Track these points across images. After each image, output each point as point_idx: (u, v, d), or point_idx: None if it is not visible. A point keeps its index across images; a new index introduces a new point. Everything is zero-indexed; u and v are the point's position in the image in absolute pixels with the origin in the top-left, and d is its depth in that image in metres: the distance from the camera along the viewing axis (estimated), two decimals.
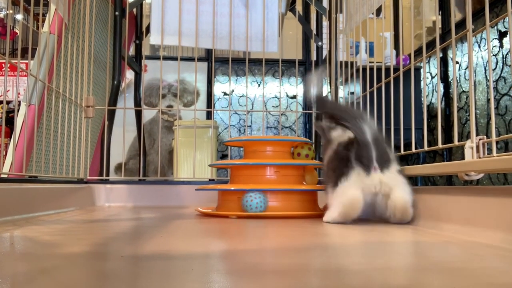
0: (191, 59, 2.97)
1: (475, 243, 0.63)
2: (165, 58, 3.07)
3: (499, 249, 0.58)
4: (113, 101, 1.63)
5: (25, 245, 0.60)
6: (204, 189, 1.16)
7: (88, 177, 1.52)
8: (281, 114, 3.24)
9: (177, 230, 0.78)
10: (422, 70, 2.35)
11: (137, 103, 2.03)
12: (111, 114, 1.62)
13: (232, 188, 1.08)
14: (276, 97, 3.26)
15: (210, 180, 1.69)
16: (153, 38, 1.61)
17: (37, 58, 1.24)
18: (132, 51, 2.15)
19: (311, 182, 1.18)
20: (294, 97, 3.29)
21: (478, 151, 0.72)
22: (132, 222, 0.91)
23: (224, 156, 3.00)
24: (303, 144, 1.17)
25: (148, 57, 3.07)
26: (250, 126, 3.23)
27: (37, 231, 0.74)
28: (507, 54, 2.03)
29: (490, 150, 0.70)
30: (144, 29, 2.01)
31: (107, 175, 1.57)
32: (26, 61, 2.34)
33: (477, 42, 2.19)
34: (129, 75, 2.76)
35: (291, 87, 3.30)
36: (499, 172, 0.71)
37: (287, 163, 1.11)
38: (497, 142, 0.70)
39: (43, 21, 1.49)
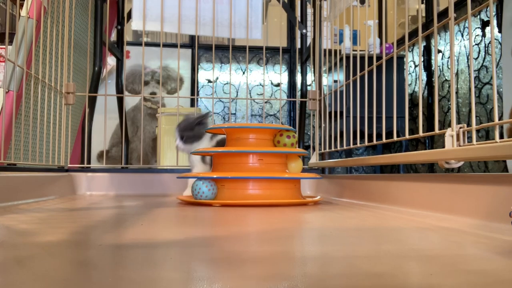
0: (174, 45, 2.93)
1: (453, 230, 0.63)
2: (148, 44, 3.03)
3: (477, 236, 0.59)
4: (94, 87, 1.61)
5: (1, 233, 0.59)
6: (185, 177, 1.15)
7: (69, 165, 1.50)
8: (266, 102, 3.23)
9: (158, 219, 0.78)
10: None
11: (119, 89, 2.00)
12: (92, 101, 1.59)
13: (215, 176, 1.08)
14: (260, 84, 3.25)
15: None
16: (135, 24, 1.59)
17: (15, 44, 1.21)
18: (114, 36, 2.11)
19: (296, 170, 1.19)
20: (278, 85, 3.28)
21: (458, 139, 0.73)
22: (113, 211, 0.90)
23: None
24: (286, 132, 1.17)
25: (130, 43, 3.03)
26: (235, 114, 3.21)
27: (14, 219, 0.73)
28: (489, 43, 2.05)
29: (471, 139, 0.70)
30: (126, 15, 1.97)
31: (88, 163, 1.55)
32: (4, 47, 2.28)
33: (460, 31, 2.20)
34: (112, 61, 2.72)
35: (276, 75, 3.29)
36: (478, 160, 0.71)
37: (270, 151, 1.11)
38: (478, 131, 0.71)
39: (21, 5, 1.45)
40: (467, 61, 2.18)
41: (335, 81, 1.49)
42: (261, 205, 1.03)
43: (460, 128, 0.73)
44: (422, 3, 2.48)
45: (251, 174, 1.07)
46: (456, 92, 2.23)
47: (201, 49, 3.21)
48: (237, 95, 3.24)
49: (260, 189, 1.07)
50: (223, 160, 1.13)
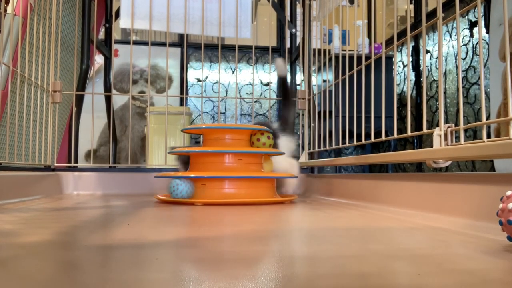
0: (163, 44, 2.92)
1: (441, 229, 0.63)
2: (138, 42, 3.01)
3: (464, 235, 0.59)
4: (82, 86, 1.59)
5: None
6: (162, 177, 1.15)
7: (56, 164, 1.48)
8: (255, 101, 3.22)
9: (144, 218, 0.77)
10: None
11: (107, 88, 1.98)
12: (79, 100, 1.58)
13: (192, 175, 1.08)
14: (250, 84, 3.25)
15: None
16: (123, 22, 1.57)
17: (1, 41, 1.19)
18: (102, 34, 2.09)
19: (267, 170, 1.20)
20: (268, 84, 3.28)
21: (446, 139, 0.73)
22: (100, 210, 0.89)
23: (197, 143, 2.98)
24: (262, 133, 1.18)
25: (119, 42, 3.00)
26: (224, 113, 3.21)
27: None
28: (477, 44, 2.07)
29: (459, 138, 0.70)
30: (114, 12, 1.96)
31: (76, 162, 1.53)
32: None
33: (448, 31, 2.22)
34: (100, 59, 2.70)
35: (265, 74, 3.29)
36: (466, 159, 0.72)
37: (247, 151, 1.12)
38: (466, 131, 0.71)
39: (7, 2, 1.43)
40: (455, 61, 2.19)
41: (324, 81, 1.49)
42: (242, 204, 1.04)
43: (448, 127, 0.73)
44: (411, 3, 2.50)
45: (231, 174, 1.08)
46: (444, 92, 2.25)
47: (190, 48, 3.19)
48: (226, 94, 3.23)
49: (241, 188, 1.09)
50: (200, 159, 1.13)
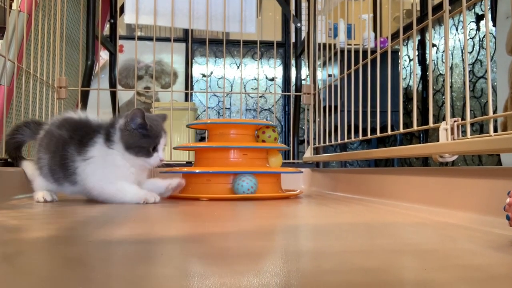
0: (168, 39, 2.91)
1: (448, 224, 0.63)
2: (142, 38, 3.01)
3: (471, 230, 0.58)
4: (87, 82, 1.59)
5: None
6: (168, 172, 1.15)
7: None
8: (260, 96, 3.22)
9: (150, 214, 0.77)
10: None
11: (113, 84, 1.98)
12: (85, 96, 1.58)
13: (197, 171, 1.08)
14: (255, 79, 3.24)
15: (187, 162, 1.68)
16: (128, 17, 1.57)
17: (6, 37, 1.20)
18: (107, 30, 2.09)
19: (276, 165, 1.20)
20: (273, 79, 3.27)
21: (452, 133, 0.73)
22: (105, 206, 0.89)
23: (202, 139, 2.98)
24: (267, 128, 1.18)
25: (123, 37, 3.00)
26: (229, 108, 3.20)
27: (5, 215, 0.72)
28: (483, 37, 2.05)
29: (465, 133, 0.70)
30: (119, 8, 1.95)
31: None
32: None
33: (454, 25, 2.20)
34: (105, 55, 2.70)
35: (270, 69, 3.28)
36: (472, 154, 0.71)
37: (252, 146, 1.12)
38: (472, 125, 0.70)
39: None
40: (462, 55, 2.17)
41: (330, 75, 1.48)
42: (247, 199, 1.04)
43: (454, 122, 0.73)
44: None
45: (236, 169, 1.07)
46: (451, 86, 2.23)
47: (195, 43, 3.19)
48: (231, 90, 3.22)
49: None
50: (205, 155, 1.13)
